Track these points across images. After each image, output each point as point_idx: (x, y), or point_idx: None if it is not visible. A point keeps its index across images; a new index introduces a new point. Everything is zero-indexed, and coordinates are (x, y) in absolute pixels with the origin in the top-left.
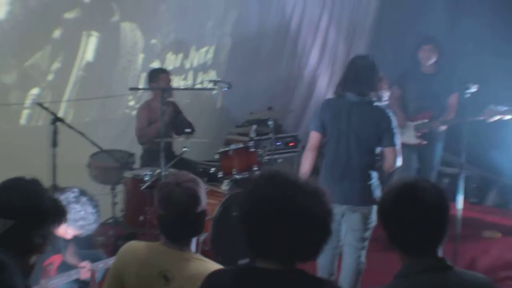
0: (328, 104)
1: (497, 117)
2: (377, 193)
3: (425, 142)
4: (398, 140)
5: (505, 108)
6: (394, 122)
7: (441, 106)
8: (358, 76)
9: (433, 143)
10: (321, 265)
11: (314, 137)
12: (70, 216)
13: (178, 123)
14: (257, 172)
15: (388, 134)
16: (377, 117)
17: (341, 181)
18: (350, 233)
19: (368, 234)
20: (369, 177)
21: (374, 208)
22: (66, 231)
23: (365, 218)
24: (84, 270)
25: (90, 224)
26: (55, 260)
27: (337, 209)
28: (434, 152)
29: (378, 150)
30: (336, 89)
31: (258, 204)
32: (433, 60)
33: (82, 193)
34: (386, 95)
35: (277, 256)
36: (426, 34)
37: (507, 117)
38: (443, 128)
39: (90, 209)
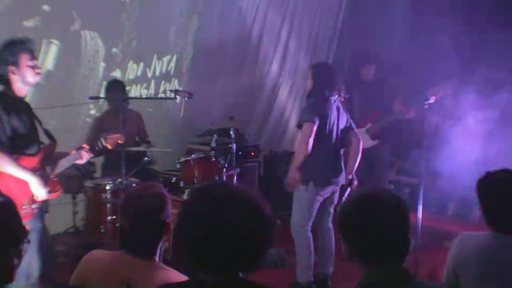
0: (323, 102)
1: (440, 94)
2: None
3: (381, 140)
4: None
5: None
6: None
7: (385, 108)
8: (334, 79)
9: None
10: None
11: (314, 129)
12: None
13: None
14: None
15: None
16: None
17: (337, 169)
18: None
19: None
20: None
21: None
22: None
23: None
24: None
25: None
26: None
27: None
28: (382, 150)
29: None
30: (323, 91)
31: (189, 222)
32: (373, 73)
33: None
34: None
35: (215, 269)
36: (367, 52)
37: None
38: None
39: None
